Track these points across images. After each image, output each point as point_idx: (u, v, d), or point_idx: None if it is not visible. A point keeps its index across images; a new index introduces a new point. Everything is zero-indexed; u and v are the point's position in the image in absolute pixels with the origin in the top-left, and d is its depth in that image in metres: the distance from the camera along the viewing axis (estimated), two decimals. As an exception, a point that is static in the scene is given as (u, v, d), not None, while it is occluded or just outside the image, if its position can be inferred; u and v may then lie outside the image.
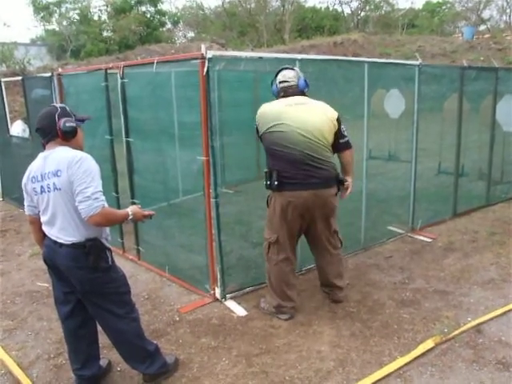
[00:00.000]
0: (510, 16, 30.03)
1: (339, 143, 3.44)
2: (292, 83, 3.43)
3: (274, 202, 3.42)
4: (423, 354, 3.09)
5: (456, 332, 3.32)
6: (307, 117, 3.32)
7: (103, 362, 2.97)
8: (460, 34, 24.78)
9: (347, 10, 33.17)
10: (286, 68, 3.52)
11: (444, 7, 32.20)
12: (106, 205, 2.44)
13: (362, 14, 33.06)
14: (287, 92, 3.43)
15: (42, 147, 2.57)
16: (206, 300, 3.90)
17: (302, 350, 3.18)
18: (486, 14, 30.08)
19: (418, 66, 5.11)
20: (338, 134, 3.42)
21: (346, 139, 3.48)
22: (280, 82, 3.45)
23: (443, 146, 6.41)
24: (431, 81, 5.53)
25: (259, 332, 3.42)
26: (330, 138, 3.37)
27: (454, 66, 9.83)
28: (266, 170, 3.43)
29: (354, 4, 32.58)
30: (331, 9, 33.06)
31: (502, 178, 6.82)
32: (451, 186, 6.06)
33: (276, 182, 3.32)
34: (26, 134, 6.65)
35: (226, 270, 3.90)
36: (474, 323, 3.44)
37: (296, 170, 3.30)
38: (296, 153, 3.28)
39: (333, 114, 3.40)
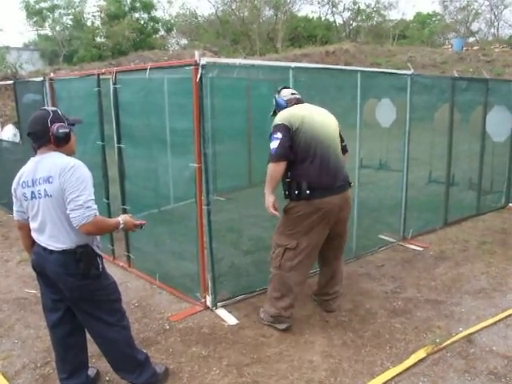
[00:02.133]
0: (497, 29, 30.57)
1: (342, 146, 3.55)
2: (299, 96, 3.54)
3: (299, 211, 3.31)
4: (415, 364, 3.08)
5: (448, 342, 3.31)
6: (326, 118, 3.44)
7: (91, 372, 2.91)
8: (450, 46, 25.11)
9: (339, 20, 33.52)
10: (287, 87, 3.64)
11: (434, 19, 32.69)
12: (98, 213, 2.41)
13: (354, 24, 33.37)
14: (299, 102, 3.49)
15: (33, 151, 2.54)
16: (197, 308, 3.86)
17: (293, 360, 3.15)
18: (474, 27, 30.64)
19: (411, 75, 5.15)
20: (340, 138, 3.55)
21: (345, 143, 3.62)
22: (292, 94, 3.52)
23: (434, 156, 6.46)
24: (423, 91, 5.58)
25: (250, 341, 3.39)
26: (339, 141, 3.51)
27: (445, 76, 9.95)
28: (288, 179, 3.31)
29: (346, 14, 32.85)
30: (323, 18, 33.42)
31: (492, 187, 6.88)
32: (442, 196, 6.10)
33: (308, 191, 3.24)
34: (17, 139, 6.58)
35: (217, 278, 3.86)
36: (465, 333, 3.44)
37: (326, 175, 3.29)
38: (325, 154, 3.30)
39: (335, 118, 3.54)
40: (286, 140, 3.20)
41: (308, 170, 3.26)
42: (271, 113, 3.60)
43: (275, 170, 3.25)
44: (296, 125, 3.24)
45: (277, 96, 3.56)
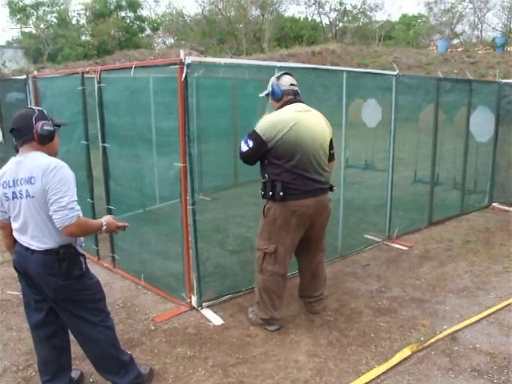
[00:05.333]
0: (481, 31, 31.02)
1: (330, 154, 3.50)
2: (298, 89, 3.40)
3: (275, 213, 3.30)
4: (400, 363, 3.10)
5: (432, 340, 3.34)
6: (316, 124, 3.33)
7: (75, 374, 2.87)
8: (434, 47, 25.40)
9: (326, 21, 33.63)
10: (289, 74, 3.43)
11: (419, 20, 33.04)
12: (81, 214, 2.38)
13: (340, 24, 33.52)
14: (296, 97, 3.37)
15: (15, 150, 2.49)
16: (182, 308, 3.84)
17: (279, 360, 3.15)
18: (458, 29, 31.06)
19: (396, 76, 5.18)
20: (331, 145, 3.49)
21: (333, 151, 3.55)
22: (290, 85, 3.36)
23: (419, 156, 6.52)
24: (408, 91, 5.62)
25: (236, 341, 3.38)
26: (327, 147, 3.43)
27: (430, 76, 10.05)
28: (264, 180, 3.31)
29: (333, 15, 32.99)
30: (310, 19, 33.50)
31: (476, 187, 6.97)
32: (427, 195, 6.16)
33: (281, 193, 3.22)
34: (0, 138, 6.48)
35: (202, 278, 3.84)
36: (449, 331, 3.47)
37: (302, 180, 3.24)
38: (305, 160, 3.23)
39: (329, 124, 3.47)
40: (254, 153, 3.26)
41: (284, 172, 3.22)
42: (263, 94, 3.48)
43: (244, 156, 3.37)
44: (280, 134, 3.16)
45: (275, 82, 3.38)
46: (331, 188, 3.51)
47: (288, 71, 3.50)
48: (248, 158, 3.33)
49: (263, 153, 3.24)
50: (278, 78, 3.40)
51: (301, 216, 3.30)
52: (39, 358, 2.72)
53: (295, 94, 3.38)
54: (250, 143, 3.23)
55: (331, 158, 3.53)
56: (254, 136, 3.23)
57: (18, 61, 19.88)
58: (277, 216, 3.30)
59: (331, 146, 3.51)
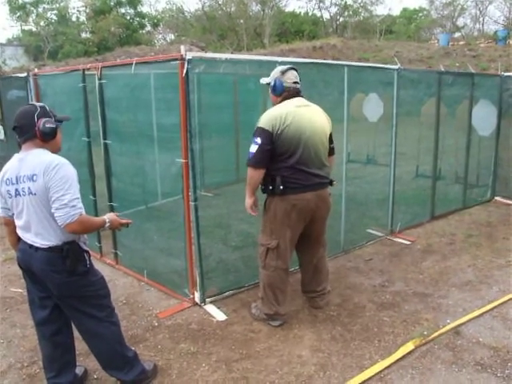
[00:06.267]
0: (482, 24, 30.92)
1: (330, 148, 3.49)
2: (300, 87, 3.38)
3: (275, 207, 3.31)
4: (403, 357, 3.10)
5: (435, 334, 3.34)
6: (316, 118, 3.33)
7: (79, 370, 2.88)
8: (436, 41, 25.30)
9: (326, 16, 33.58)
10: (294, 68, 3.39)
11: (420, 14, 32.93)
12: (84, 212, 2.39)
13: (341, 19, 33.45)
14: (298, 93, 3.36)
15: (18, 146, 2.49)
16: (185, 304, 3.84)
17: (282, 355, 3.15)
18: (460, 22, 30.96)
19: (397, 70, 5.16)
20: (330, 139, 3.48)
21: (333, 145, 3.54)
22: (294, 82, 3.32)
23: (421, 150, 6.50)
24: (409, 85, 5.60)
25: (239, 337, 3.38)
26: (327, 142, 3.42)
27: (431, 70, 10.00)
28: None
29: (333, 9, 32.94)
30: (310, 14, 33.44)
31: (478, 181, 6.95)
32: (429, 190, 6.15)
33: (281, 187, 3.21)
34: (1, 136, 6.49)
35: (205, 274, 3.85)
36: (452, 325, 3.47)
37: (302, 174, 3.24)
38: (306, 155, 3.23)
39: (329, 118, 3.46)
40: (266, 147, 3.16)
41: (284, 166, 3.22)
42: (264, 81, 3.42)
43: (253, 176, 3.25)
44: (281, 127, 3.15)
45: (279, 76, 3.31)
46: (331, 182, 3.51)
47: (293, 66, 3.44)
48: (260, 157, 3.17)
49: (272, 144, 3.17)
50: (283, 72, 3.34)
51: (301, 210, 3.29)
52: (44, 354, 2.73)
53: (296, 92, 3.36)
54: (258, 139, 3.16)
55: (331, 152, 3.53)
56: (260, 131, 3.18)
57: (19, 59, 19.89)
58: (277, 210, 3.30)
59: (331, 141, 3.50)
